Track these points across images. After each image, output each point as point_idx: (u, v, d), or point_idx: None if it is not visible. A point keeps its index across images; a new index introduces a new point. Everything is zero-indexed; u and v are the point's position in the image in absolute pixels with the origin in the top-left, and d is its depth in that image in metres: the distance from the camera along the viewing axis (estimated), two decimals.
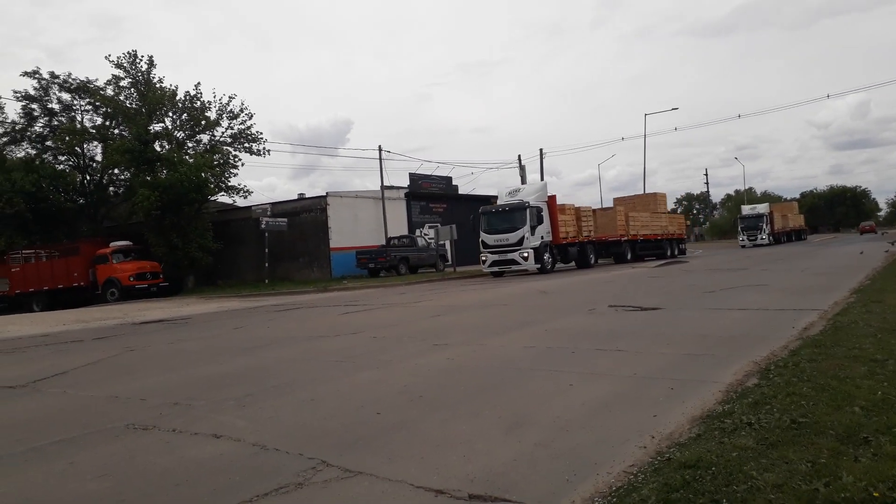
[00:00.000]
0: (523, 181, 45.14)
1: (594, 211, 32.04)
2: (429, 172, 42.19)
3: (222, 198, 33.30)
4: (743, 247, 47.71)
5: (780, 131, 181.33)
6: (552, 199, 26.80)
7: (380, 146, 36.38)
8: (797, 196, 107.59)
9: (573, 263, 28.16)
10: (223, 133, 32.34)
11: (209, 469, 3.64)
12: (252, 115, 32.65)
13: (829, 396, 3.99)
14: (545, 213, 25.72)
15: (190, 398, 5.60)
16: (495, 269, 25.21)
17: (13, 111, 32.79)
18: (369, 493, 3.15)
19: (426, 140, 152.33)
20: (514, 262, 24.74)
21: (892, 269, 14.29)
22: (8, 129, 32.94)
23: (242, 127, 32.32)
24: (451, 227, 30.28)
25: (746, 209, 53.24)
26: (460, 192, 44.46)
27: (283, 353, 8.14)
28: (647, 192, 43.56)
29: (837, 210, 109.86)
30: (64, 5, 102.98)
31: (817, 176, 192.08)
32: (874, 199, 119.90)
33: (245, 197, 32.79)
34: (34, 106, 32.63)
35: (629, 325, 8.48)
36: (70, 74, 31.86)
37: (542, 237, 25.08)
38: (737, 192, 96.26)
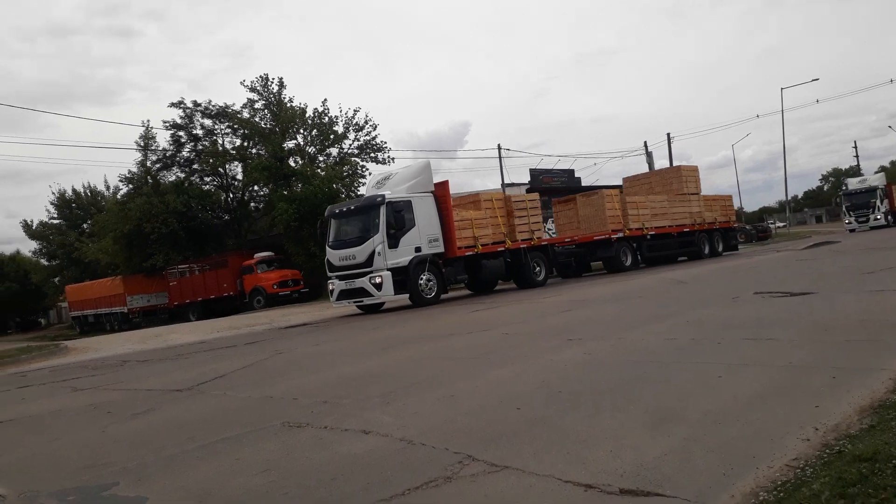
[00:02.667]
0: (650, 168, 43.67)
1: (558, 201, 26.01)
2: (549, 167, 41.78)
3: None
4: (852, 231, 40.56)
5: None
6: (441, 186, 17.89)
7: (499, 145, 36.56)
8: None
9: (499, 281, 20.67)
10: (350, 145, 33.78)
11: (361, 464, 3.79)
12: (376, 126, 33.91)
13: None
14: (423, 212, 16.98)
15: (337, 396, 5.86)
16: (343, 302, 17.04)
17: (163, 140, 35.90)
18: (517, 488, 3.14)
19: (545, 135, 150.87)
20: (362, 291, 16.16)
21: None
22: (160, 157, 36.13)
23: (368, 138, 33.63)
24: None
25: (854, 182, 45.20)
26: (583, 183, 43.67)
27: (419, 351, 8.33)
28: (786, 170, 40.22)
29: None
30: (199, 39, 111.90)
31: None
32: None
33: None
34: (181, 133, 35.55)
35: (779, 313, 7.95)
36: (210, 101, 34.44)
37: (414, 249, 16.54)
38: (892, 163, 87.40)
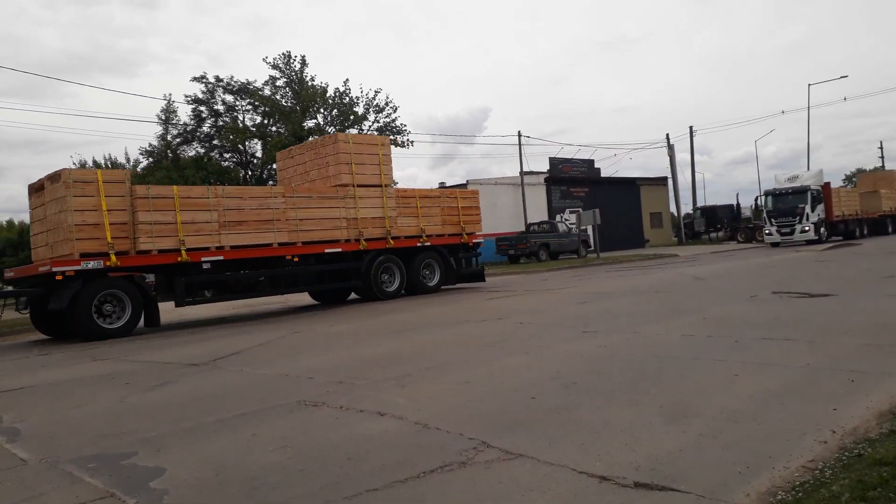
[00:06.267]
0: (672, 162, 43.31)
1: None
2: (569, 156, 41.57)
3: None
4: (775, 245, 30.14)
5: None
6: None
7: (518, 132, 36.38)
8: None
9: None
10: (370, 127, 33.78)
11: (377, 444, 3.83)
12: (396, 108, 33.95)
13: None
14: None
15: (352, 377, 5.91)
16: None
17: (184, 114, 36.10)
18: (532, 476, 3.17)
19: (565, 123, 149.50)
20: None
21: None
22: (181, 131, 36.34)
23: (388, 120, 33.71)
24: (593, 211, 29.60)
25: (782, 180, 33.01)
26: (603, 174, 43.43)
27: (434, 337, 8.37)
28: (811, 168, 35.85)
29: None
30: (220, 11, 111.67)
31: None
32: None
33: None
34: (202, 108, 35.72)
35: (797, 313, 7.90)
36: (232, 77, 34.55)
37: None
38: None
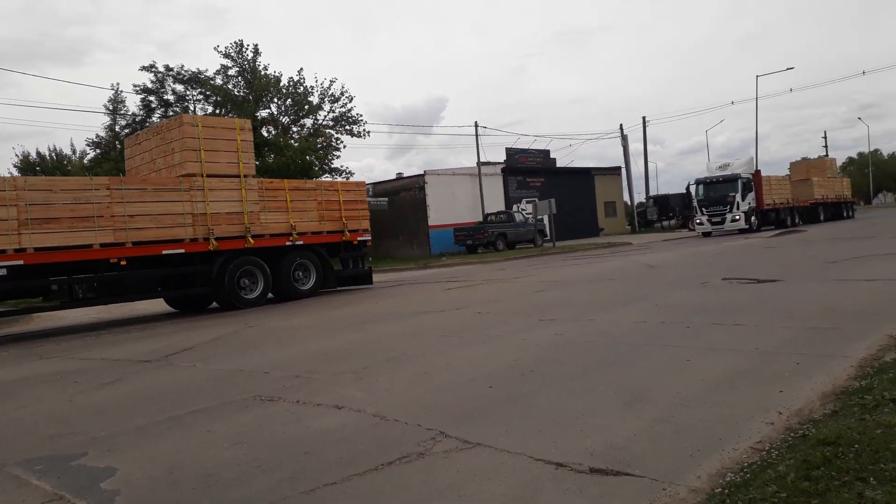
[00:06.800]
0: (625, 152, 44.00)
1: None
2: (525, 146, 41.85)
3: (326, 179, 34.43)
4: (707, 235, 29.61)
5: None
6: None
7: (476, 122, 36.41)
8: None
9: None
10: (325, 117, 33.42)
11: (334, 438, 3.80)
12: (352, 98, 33.60)
13: None
14: None
15: (309, 371, 5.86)
16: None
17: (133, 104, 35.08)
18: (489, 465, 3.19)
19: (522, 113, 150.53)
20: None
21: None
22: (129, 122, 35.29)
23: (343, 110, 33.34)
24: (549, 201, 29.87)
25: (714, 168, 32.14)
26: (558, 164, 43.85)
27: (392, 328, 8.35)
28: (758, 158, 36.15)
29: None
30: (173, 0, 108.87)
31: None
32: None
33: (347, 178, 33.79)
34: (152, 98, 34.72)
35: (746, 299, 8.12)
36: (182, 66, 33.66)
37: None
38: (860, 154, 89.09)
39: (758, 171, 31.58)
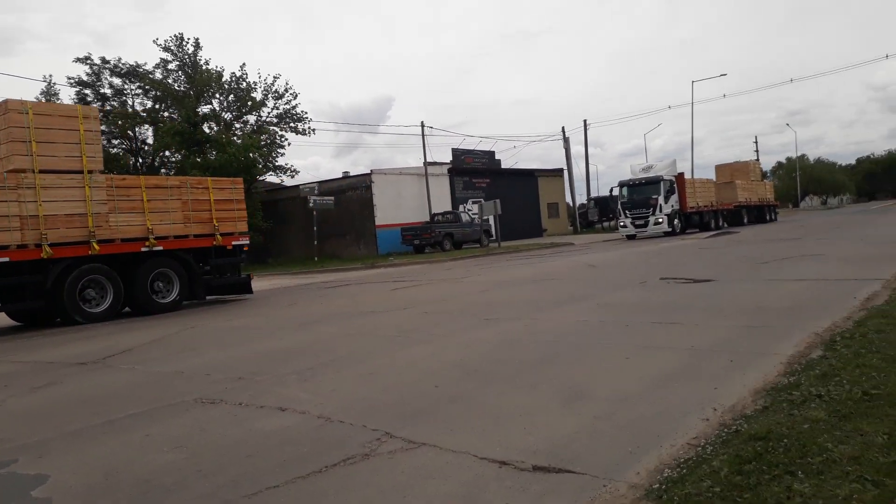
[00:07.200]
0: (567, 154, 44.67)
1: None
2: (471, 147, 42.07)
3: (270, 177, 33.88)
4: (631, 238, 29.41)
5: (834, 95, 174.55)
6: None
7: (422, 122, 36.41)
8: (853, 162, 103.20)
9: None
10: (269, 113, 32.92)
11: (278, 441, 3.76)
12: (297, 95, 33.18)
13: None
14: None
15: (253, 373, 5.77)
16: None
17: (67, 97, 33.78)
18: (434, 464, 3.21)
19: (468, 114, 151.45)
20: None
21: None
22: None
23: (288, 107, 32.86)
24: (495, 201, 30.12)
25: (638, 170, 31.29)
26: (503, 165, 44.23)
27: (338, 329, 8.29)
28: (693, 161, 37.88)
29: None
30: None
31: (874, 141, 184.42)
32: None
33: (292, 176, 33.39)
34: (87, 91, 33.50)
35: (683, 298, 8.37)
36: (120, 59, 32.61)
37: None
38: (788, 159, 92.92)
39: (681, 174, 31.33)
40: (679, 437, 3.31)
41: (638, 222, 29.37)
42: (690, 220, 31.47)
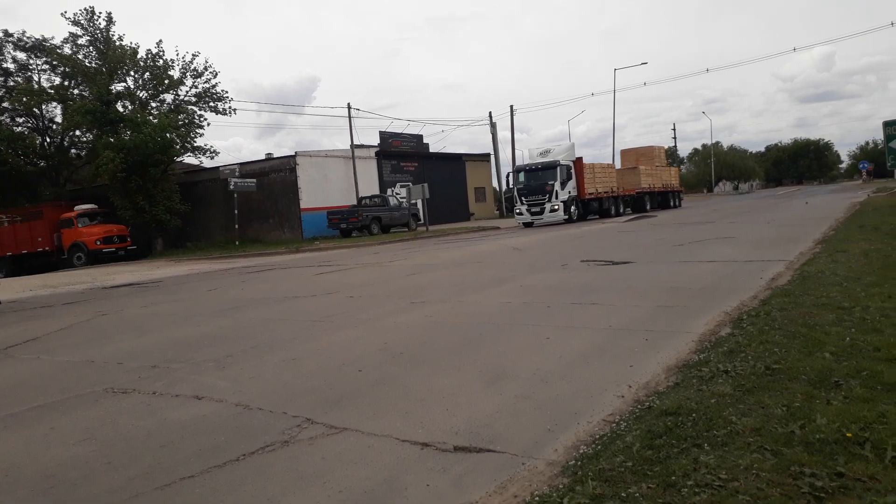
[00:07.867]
0: (494, 139, 45.03)
1: None
2: (399, 131, 41.82)
3: (188, 158, 32.73)
4: (528, 225, 28.35)
5: (747, 85, 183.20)
6: None
7: (349, 104, 35.88)
8: (762, 149, 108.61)
9: None
10: (187, 92, 31.68)
11: (193, 430, 3.64)
12: (217, 74, 32.04)
13: (801, 343, 4.11)
14: None
15: (168, 361, 5.57)
16: None
17: None
18: (355, 448, 3.19)
19: (396, 97, 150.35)
20: None
21: (854, 219, 14.63)
22: None
23: (207, 86, 31.71)
24: (423, 185, 30.04)
25: (536, 155, 30.35)
26: (431, 150, 44.21)
27: (260, 314, 8.10)
28: (615, 147, 37.09)
29: (801, 163, 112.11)
30: None
31: (782, 129, 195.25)
32: (836, 151, 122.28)
33: (212, 158, 32.34)
34: None
35: (602, 280, 8.60)
36: (24, 32, 30.70)
37: None
38: (704, 146, 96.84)
39: (579, 159, 29.95)
40: (595, 414, 3.40)
41: (534, 209, 28.25)
42: (589, 207, 30.51)
